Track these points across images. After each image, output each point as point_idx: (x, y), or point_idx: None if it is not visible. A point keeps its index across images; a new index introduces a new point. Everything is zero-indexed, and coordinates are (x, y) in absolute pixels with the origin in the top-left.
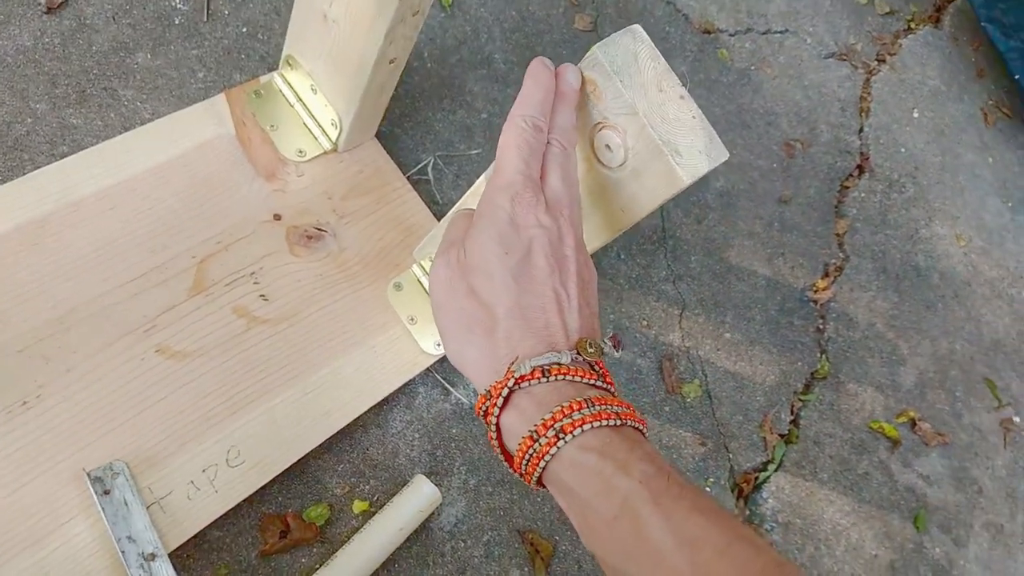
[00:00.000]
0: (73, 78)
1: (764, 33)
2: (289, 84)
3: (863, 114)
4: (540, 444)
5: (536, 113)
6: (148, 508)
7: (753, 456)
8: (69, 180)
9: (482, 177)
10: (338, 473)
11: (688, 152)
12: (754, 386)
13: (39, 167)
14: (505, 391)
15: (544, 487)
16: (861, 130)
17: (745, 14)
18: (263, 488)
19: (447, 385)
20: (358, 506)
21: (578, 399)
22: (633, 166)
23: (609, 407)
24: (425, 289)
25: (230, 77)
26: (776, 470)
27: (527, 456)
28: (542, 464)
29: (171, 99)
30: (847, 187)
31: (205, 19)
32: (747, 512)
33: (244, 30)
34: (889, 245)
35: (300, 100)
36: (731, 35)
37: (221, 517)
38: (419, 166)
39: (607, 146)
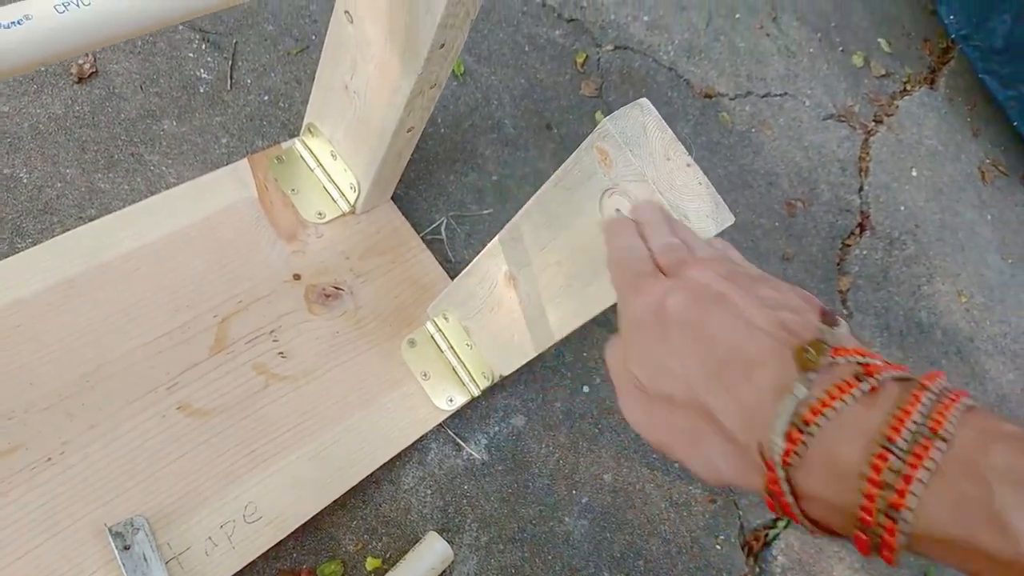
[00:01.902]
0: (102, 144)
1: (764, 96)
2: (310, 150)
3: (862, 173)
4: (885, 496)
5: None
6: (167, 564)
7: (763, 512)
8: (97, 242)
9: (496, 238)
10: (351, 529)
11: (696, 216)
12: None
13: (68, 230)
14: (784, 484)
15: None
16: (861, 189)
17: (745, 78)
18: (278, 544)
19: (459, 440)
20: (371, 563)
21: (882, 416)
22: None
23: (929, 393)
24: (438, 345)
25: (252, 143)
26: (786, 527)
27: (876, 521)
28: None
29: (196, 164)
30: (848, 245)
31: (228, 88)
32: (757, 570)
33: (266, 98)
34: (892, 302)
35: (320, 165)
36: (732, 99)
37: (237, 573)
38: (433, 226)
39: (617, 210)
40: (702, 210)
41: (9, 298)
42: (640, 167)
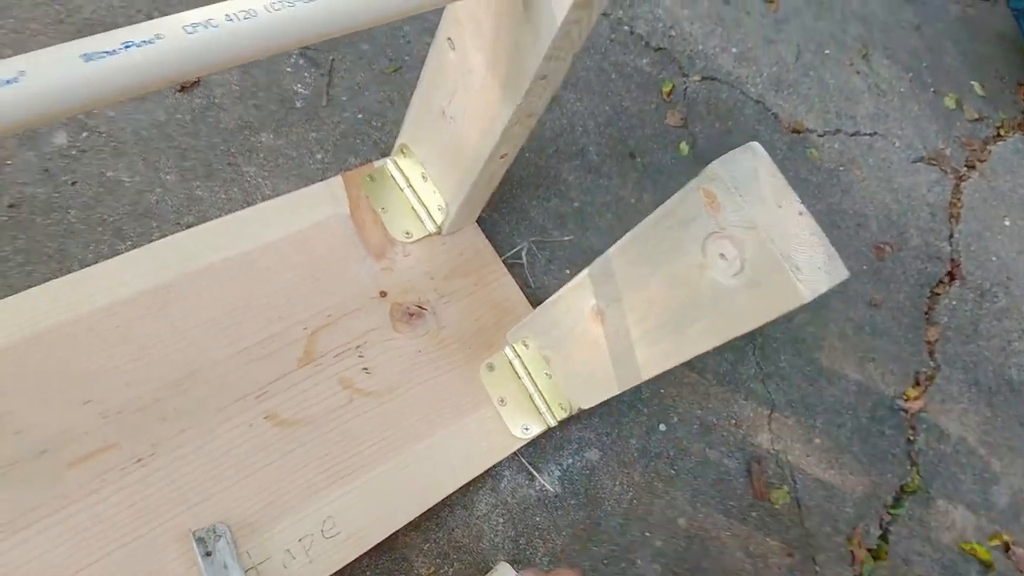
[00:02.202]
0: (201, 153)
1: (853, 135)
2: (401, 170)
3: (953, 220)
4: None
5: None
6: (246, 572)
7: (840, 570)
8: (194, 249)
9: (585, 271)
10: (424, 552)
11: (808, 268)
12: (843, 496)
13: (166, 235)
14: None
15: None
16: (951, 236)
17: (834, 115)
18: (353, 562)
19: (532, 470)
20: None
21: None
22: (750, 277)
23: None
24: (516, 371)
25: (345, 160)
26: None
27: None
28: None
29: (291, 178)
30: (937, 293)
31: (324, 104)
32: None
33: (360, 116)
34: (981, 356)
35: (410, 185)
36: (820, 135)
37: None
38: (514, 250)
39: (721, 255)
40: (814, 261)
41: (108, 299)
42: (750, 213)
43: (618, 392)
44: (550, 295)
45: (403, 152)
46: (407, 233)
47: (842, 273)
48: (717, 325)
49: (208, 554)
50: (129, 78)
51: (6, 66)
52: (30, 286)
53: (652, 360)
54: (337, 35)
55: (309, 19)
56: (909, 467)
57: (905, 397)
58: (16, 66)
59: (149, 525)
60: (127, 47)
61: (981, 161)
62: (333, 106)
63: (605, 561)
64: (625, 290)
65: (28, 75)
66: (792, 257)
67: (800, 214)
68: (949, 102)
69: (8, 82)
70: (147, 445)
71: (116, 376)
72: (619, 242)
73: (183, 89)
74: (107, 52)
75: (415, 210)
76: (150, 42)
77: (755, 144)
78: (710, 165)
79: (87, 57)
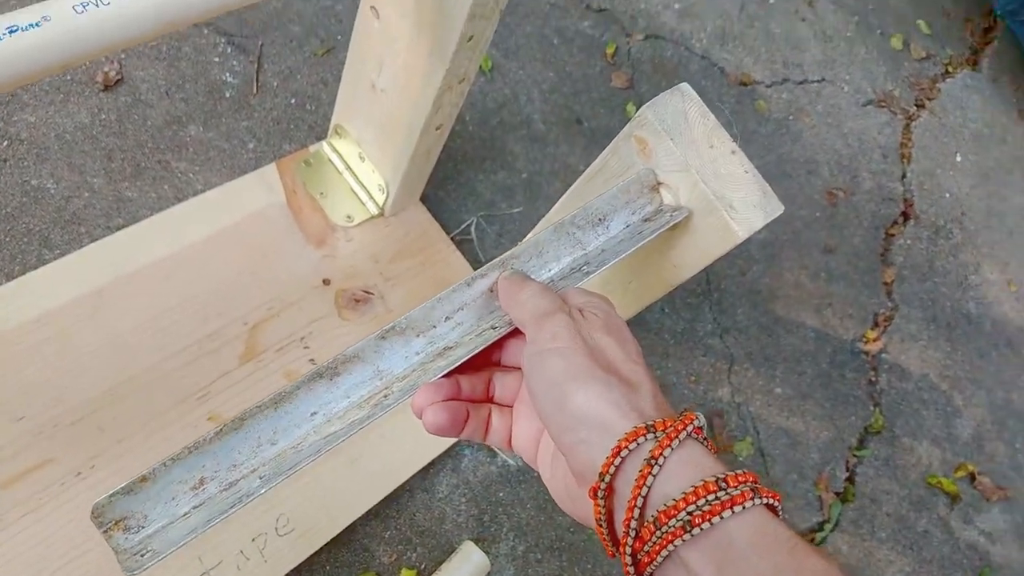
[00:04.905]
0: (128, 152)
1: (801, 83)
2: (338, 152)
3: (905, 160)
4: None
5: None
6: None
7: (809, 516)
8: (124, 252)
9: (528, 237)
10: (385, 540)
11: (743, 206)
12: (807, 443)
13: (95, 240)
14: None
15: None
16: (904, 176)
17: (781, 64)
18: (311, 557)
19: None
20: (406, 575)
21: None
22: (686, 221)
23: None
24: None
25: (280, 147)
26: (833, 530)
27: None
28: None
29: (223, 170)
30: (892, 235)
31: (255, 92)
32: None
33: (292, 101)
34: (938, 293)
35: (348, 168)
36: (768, 86)
37: None
38: (463, 227)
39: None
40: (749, 199)
41: (37, 311)
42: (682, 156)
43: None
44: None
45: (338, 133)
46: (348, 217)
47: (777, 208)
48: (661, 275)
49: None
50: (17, 66)
51: None
52: None
53: None
54: (239, 7)
55: None
56: (872, 408)
57: (865, 339)
58: None
59: (94, 540)
60: (12, 32)
61: (930, 99)
62: (264, 93)
63: (572, 529)
64: None
65: None
66: (726, 196)
67: (732, 152)
68: (896, 43)
69: None
70: (86, 457)
71: (49, 389)
72: (559, 201)
73: (107, 88)
74: None
75: (355, 192)
76: (37, 25)
77: (684, 85)
78: (641, 110)
79: None
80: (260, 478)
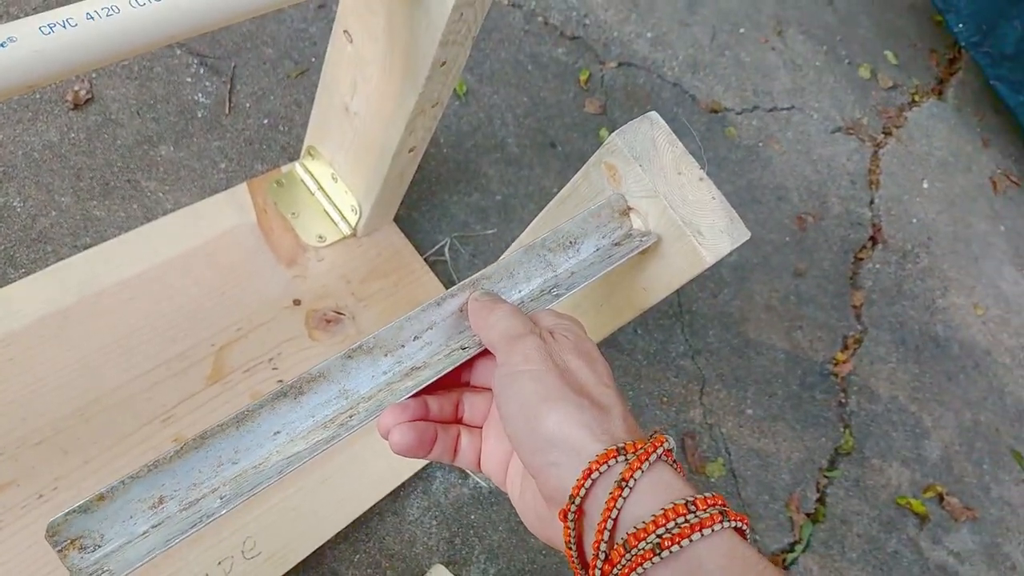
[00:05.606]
0: (97, 171)
1: (770, 110)
2: (310, 173)
3: (873, 186)
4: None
5: None
6: None
7: (780, 537)
8: (91, 272)
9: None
10: (354, 564)
11: (710, 232)
12: (779, 464)
13: (62, 259)
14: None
15: None
16: (872, 202)
17: (751, 92)
18: None
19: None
20: None
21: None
22: (655, 246)
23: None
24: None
25: (251, 167)
26: (804, 551)
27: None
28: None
29: (193, 190)
30: (861, 259)
31: (227, 112)
32: None
33: (265, 122)
34: (907, 316)
35: (321, 188)
36: (738, 113)
37: None
38: (436, 247)
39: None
40: (716, 225)
41: (2, 330)
42: (651, 182)
43: None
44: None
45: (311, 154)
46: (320, 237)
47: (744, 234)
48: (630, 298)
49: None
50: None
51: None
52: None
53: None
54: (210, 29)
55: (178, 13)
56: (842, 429)
57: (834, 361)
58: None
59: (54, 563)
60: None
61: (898, 127)
62: (237, 113)
63: (543, 552)
64: None
65: None
66: (694, 222)
67: (700, 180)
68: (864, 72)
69: None
70: (49, 479)
71: (11, 410)
72: (530, 225)
73: (76, 107)
74: None
75: (327, 213)
76: (3, 45)
77: (653, 114)
78: (611, 136)
79: None
80: (221, 498)
